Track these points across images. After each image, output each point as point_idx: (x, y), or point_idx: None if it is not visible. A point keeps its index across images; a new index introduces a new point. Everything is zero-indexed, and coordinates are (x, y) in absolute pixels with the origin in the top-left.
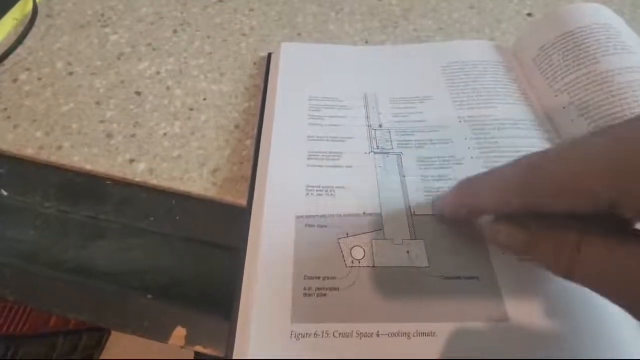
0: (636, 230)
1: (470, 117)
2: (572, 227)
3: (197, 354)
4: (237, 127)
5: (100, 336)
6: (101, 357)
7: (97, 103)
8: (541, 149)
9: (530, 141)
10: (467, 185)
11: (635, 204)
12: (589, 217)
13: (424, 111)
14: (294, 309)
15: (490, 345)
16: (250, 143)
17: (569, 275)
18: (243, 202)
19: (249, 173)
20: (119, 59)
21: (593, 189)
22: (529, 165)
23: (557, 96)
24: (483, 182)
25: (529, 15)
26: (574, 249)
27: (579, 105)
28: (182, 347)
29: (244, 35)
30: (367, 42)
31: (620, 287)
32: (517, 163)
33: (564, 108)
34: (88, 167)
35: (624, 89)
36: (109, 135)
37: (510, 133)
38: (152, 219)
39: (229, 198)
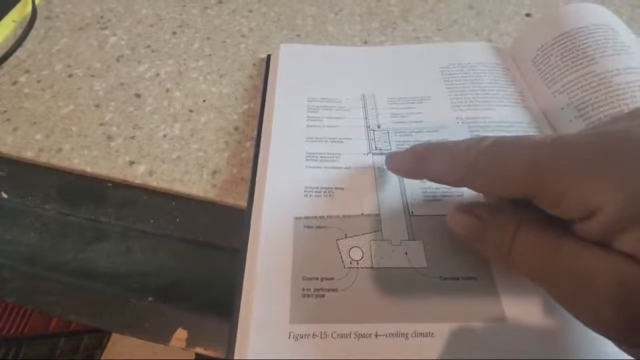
0: (568, 225)
1: (468, 119)
2: (513, 215)
3: (198, 354)
4: (236, 128)
5: (101, 337)
6: (102, 358)
7: (97, 105)
8: (507, 135)
9: None
10: (422, 149)
11: (545, 204)
12: (532, 207)
13: (422, 112)
14: (293, 309)
15: (488, 345)
16: (249, 145)
17: (508, 264)
18: (243, 203)
19: (249, 175)
20: (118, 60)
21: (510, 185)
22: (479, 150)
23: (555, 97)
24: (435, 153)
25: (528, 15)
26: (512, 238)
27: (577, 106)
28: (183, 349)
29: (243, 36)
30: (366, 43)
31: (546, 277)
32: (478, 140)
33: (562, 109)
34: (88, 169)
35: (622, 90)
36: (109, 137)
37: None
38: (152, 220)
39: (228, 200)
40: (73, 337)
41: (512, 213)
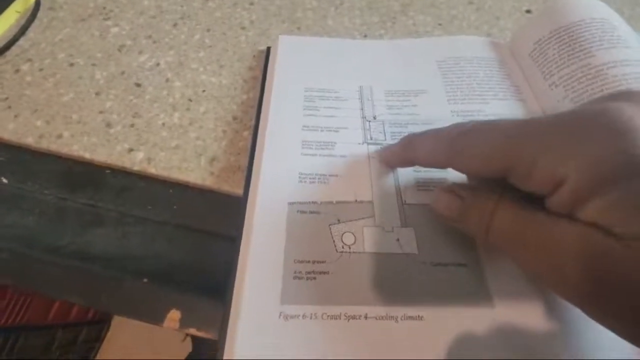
0: (543, 204)
1: (462, 112)
2: (492, 195)
3: (193, 350)
4: (235, 118)
5: (99, 329)
6: (101, 350)
7: (97, 93)
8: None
9: None
10: (409, 140)
11: (518, 179)
12: (510, 188)
13: (417, 104)
14: (284, 291)
15: (476, 329)
16: (247, 134)
17: (486, 239)
18: (240, 191)
19: (246, 163)
20: (119, 50)
21: (487, 161)
22: (459, 131)
23: (552, 90)
24: (422, 139)
25: (528, 11)
26: (490, 214)
27: (573, 98)
28: (176, 330)
29: (243, 28)
30: (365, 37)
31: (519, 248)
32: (460, 124)
33: (558, 101)
34: (87, 155)
35: (618, 81)
36: (108, 125)
37: None
38: (150, 207)
39: (225, 187)
40: (71, 329)
41: (492, 193)
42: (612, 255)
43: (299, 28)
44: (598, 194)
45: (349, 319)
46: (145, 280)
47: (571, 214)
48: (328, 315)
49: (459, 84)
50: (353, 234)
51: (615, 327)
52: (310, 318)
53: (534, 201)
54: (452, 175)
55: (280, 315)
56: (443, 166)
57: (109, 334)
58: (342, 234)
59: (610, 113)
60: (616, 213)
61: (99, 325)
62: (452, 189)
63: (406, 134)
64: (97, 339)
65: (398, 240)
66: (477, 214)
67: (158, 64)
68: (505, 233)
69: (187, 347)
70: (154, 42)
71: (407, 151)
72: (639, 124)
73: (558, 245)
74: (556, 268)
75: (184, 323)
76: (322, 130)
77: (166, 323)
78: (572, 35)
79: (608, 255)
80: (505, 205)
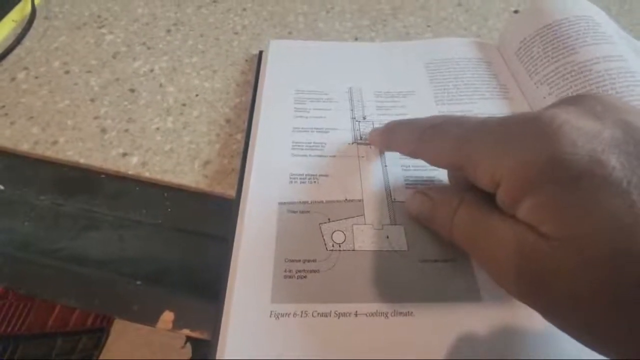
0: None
1: (450, 112)
2: (456, 196)
3: (192, 356)
4: (228, 121)
5: (98, 337)
6: (99, 358)
7: (92, 100)
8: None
9: None
10: (391, 126)
11: (469, 176)
12: (473, 189)
13: (406, 105)
14: (274, 289)
15: (465, 323)
16: (240, 137)
17: (451, 237)
18: (233, 193)
19: (239, 165)
20: (114, 57)
21: (444, 157)
22: (430, 124)
23: (537, 87)
24: (400, 126)
25: (516, 12)
26: (453, 214)
27: (557, 95)
28: (169, 330)
29: (236, 34)
30: (356, 39)
31: (473, 245)
32: (433, 118)
33: (544, 98)
34: (82, 161)
35: (601, 77)
36: (103, 130)
37: None
38: (145, 210)
39: (219, 190)
40: (70, 338)
41: (456, 194)
42: (541, 253)
43: (290, 32)
44: (527, 195)
45: (339, 316)
46: (138, 282)
47: (513, 213)
48: (318, 313)
49: (446, 85)
50: (343, 232)
51: (552, 321)
52: (301, 316)
53: (492, 199)
54: (440, 173)
55: (271, 314)
56: (411, 155)
57: (108, 341)
58: (332, 233)
59: (543, 119)
60: (542, 214)
61: (98, 333)
62: (424, 191)
63: (391, 120)
64: (96, 347)
65: (388, 237)
66: (442, 214)
67: (152, 70)
68: (463, 231)
69: (187, 354)
70: (148, 48)
71: (387, 136)
72: (568, 131)
73: (500, 243)
74: (499, 264)
75: (177, 324)
76: (312, 132)
77: (159, 324)
78: (556, 33)
79: (537, 253)
80: (465, 206)
